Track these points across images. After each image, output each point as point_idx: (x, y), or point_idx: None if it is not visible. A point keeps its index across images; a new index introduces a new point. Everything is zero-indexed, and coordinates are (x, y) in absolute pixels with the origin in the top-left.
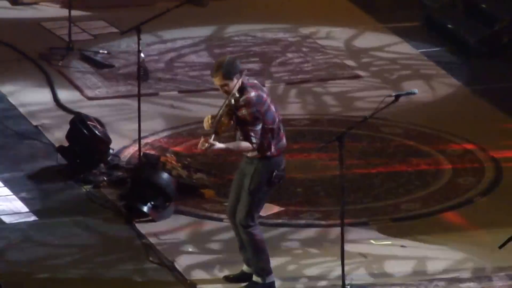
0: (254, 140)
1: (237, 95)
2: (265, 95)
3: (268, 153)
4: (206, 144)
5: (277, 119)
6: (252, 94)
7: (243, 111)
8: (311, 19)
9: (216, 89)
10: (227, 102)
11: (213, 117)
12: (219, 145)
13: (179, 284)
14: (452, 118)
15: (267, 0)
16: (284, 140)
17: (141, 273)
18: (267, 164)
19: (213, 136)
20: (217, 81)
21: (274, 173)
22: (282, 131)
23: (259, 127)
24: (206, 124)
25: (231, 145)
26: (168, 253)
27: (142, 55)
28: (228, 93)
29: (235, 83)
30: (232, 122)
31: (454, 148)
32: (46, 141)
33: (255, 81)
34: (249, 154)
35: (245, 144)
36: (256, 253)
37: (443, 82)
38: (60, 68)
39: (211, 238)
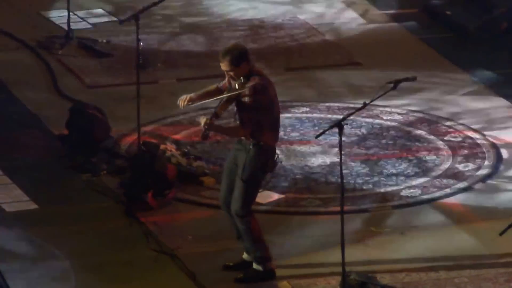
0: (249, 128)
1: (242, 81)
2: (269, 86)
3: (262, 142)
4: (204, 127)
5: (278, 111)
6: (258, 82)
7: (246, 98)
8: (307, 4)
9: (216, 76)
10: (232, 87)
11: (191, 99)
12: (215, 126)
13: (179, 272)
14: (452, 104)
15: None
16: (278, 133)
17: (141, 261)
18: (260, 152)
19: (211, 116)
20: (224, 66)
21: (269, 161)
22: (279, 124)
23: (257, 115)
24: (181, 103)
25: (226, 128)
26: (168, 241)
27: (141, 43)
28: (233, 78)
29: (242, 70)
30: (230, 105)
31: (454, 134)
32: (46, 129)
33: (261, 70)
34: (244, 139)
35: (239, 130)
36: (254, 242)
37: (441, 68)
38: (59, 57)
39: (211, 226)
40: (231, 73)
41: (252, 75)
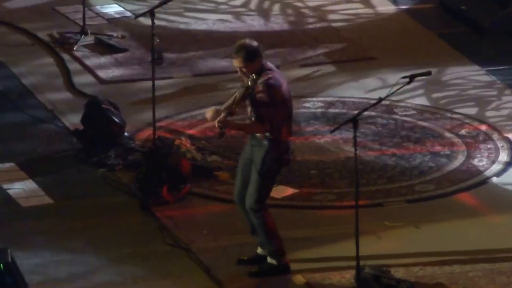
0: (267, 123)
1: (255, 77)
2: (282, 80)
3: (278, 137)
4: (219, 124)
5: (291, 106)
6: (271, 77)
7: (260, 94)
8: (325, 2)
9: (231, 72)
10: (245, 84)
11: (217, 111)
12: (231, 123)
13: (194, 266)
14: (467, 99)
15: None
16: (291, 128)
17: (156, 256)
18: (276, 147)
19: (226, 114)
20: (236, 63)
21: (283, 156)
22: (292, 119)
23: (273, 110)
24: (209, 115)
25: (243, 125)
26: (183, 235)
27: (156, 39)
28: (245, 75)
29: (255, 66)
30: (245, 102)
31: (468, 129)
32: (61, 125)
33: (273, 66)
34: (259, 135)
35: (257, 126)
36: (268, 236)
37: (456, 63)
38: (74, 52)
39: (226, 221)
40: (244, 70)
41: (264, 71)
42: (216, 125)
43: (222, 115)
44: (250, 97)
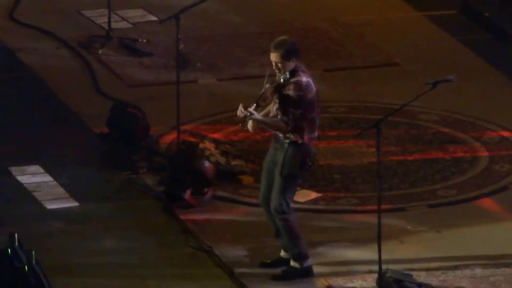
0: (290, 122)
1: (288, 76)
2: (313, 84)
3: (300, 141)
4: (246, 112)
5: (317, 111)
6: (303, 79)
7: (290, 92)
8: (349, 8)
9: (255, 77)
10: (277, 80)
11: (246, 106)
12: (257, 115)
13: (217, 269)
14: (489, 105)
15: None
16: (316, 133)
17: (180, 258)
18: (298, 150)
19: (253, 106)
20: (274, 57)
21: (306, 160)
22: (317, 123)
23: (299, 111)
24: (239, 111)
25: (268, 120)
26: (207, 238)
27: (181, 43)
28: (279, 70)
29: (290, 65)
30: (273, 98)
31: (490, 135)
32: (86, 128)
33: (306, 69)
34: (281, 137)
35: (281, 124)
36: (292, 239)
37: (479, 70)
38: (99, 56)
39: (249, 224)
40: (280, 65)
41: (297, 72)
42: (243, 113)
43: (251, 107)
44: (279, 95)
